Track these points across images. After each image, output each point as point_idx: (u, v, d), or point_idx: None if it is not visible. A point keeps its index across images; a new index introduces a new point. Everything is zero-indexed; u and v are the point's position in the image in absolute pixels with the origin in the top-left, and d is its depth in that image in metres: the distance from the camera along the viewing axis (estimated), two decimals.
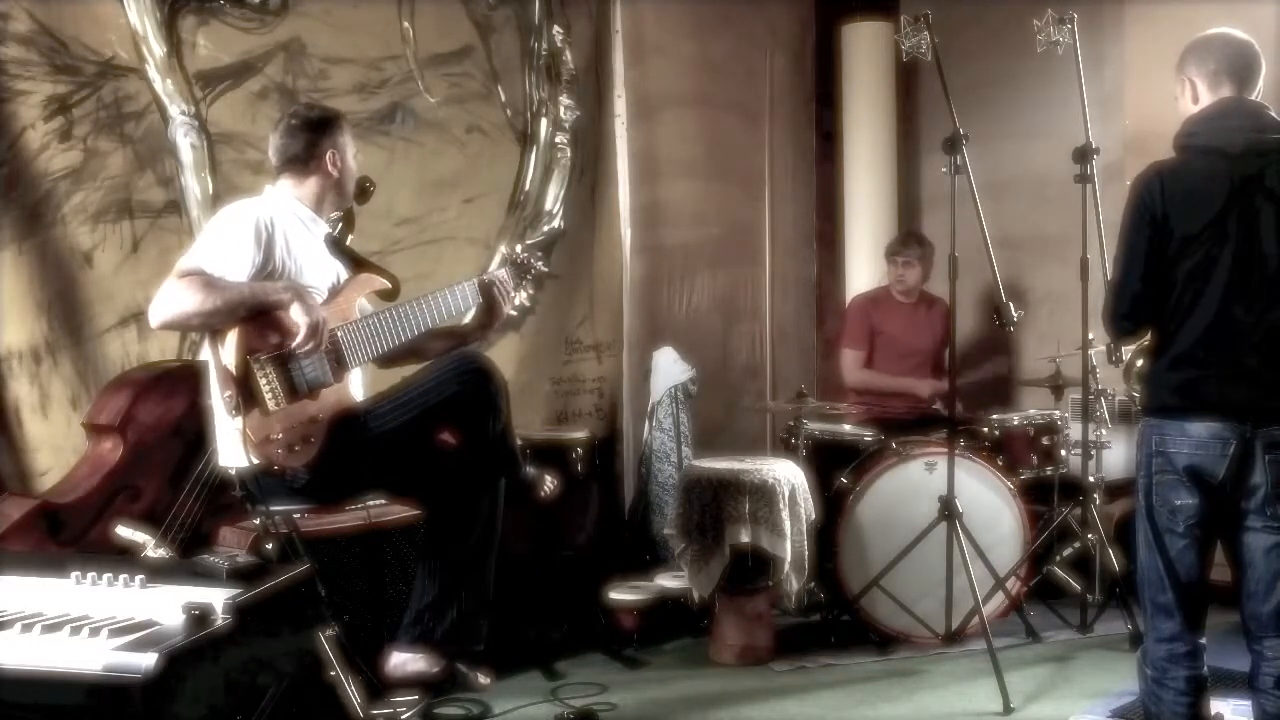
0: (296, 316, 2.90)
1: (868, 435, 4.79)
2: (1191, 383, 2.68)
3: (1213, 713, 2.97)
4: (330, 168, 3.16)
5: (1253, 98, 2.75)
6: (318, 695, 2.66)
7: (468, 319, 3.47)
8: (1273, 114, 2.71)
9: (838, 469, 4.69)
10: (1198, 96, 2.77)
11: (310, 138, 3.14)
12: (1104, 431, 4.61)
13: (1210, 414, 2.65)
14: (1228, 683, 3.67)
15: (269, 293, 2.92)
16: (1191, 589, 2.71)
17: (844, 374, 5.44)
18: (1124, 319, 2.77)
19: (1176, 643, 2.72)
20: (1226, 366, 2.66)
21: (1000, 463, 4.64)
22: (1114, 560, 4.42)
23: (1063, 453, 4.77)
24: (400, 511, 3.64)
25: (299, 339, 2.90)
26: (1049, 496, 4.78)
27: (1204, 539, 2.70)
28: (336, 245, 3.23)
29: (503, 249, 4.85)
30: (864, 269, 6.06)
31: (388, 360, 3.28)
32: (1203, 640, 2.75)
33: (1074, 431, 4.71)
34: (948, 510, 4.24)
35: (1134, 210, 2.72)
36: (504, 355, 4.71)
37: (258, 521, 3.18)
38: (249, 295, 2.89)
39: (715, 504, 4.20)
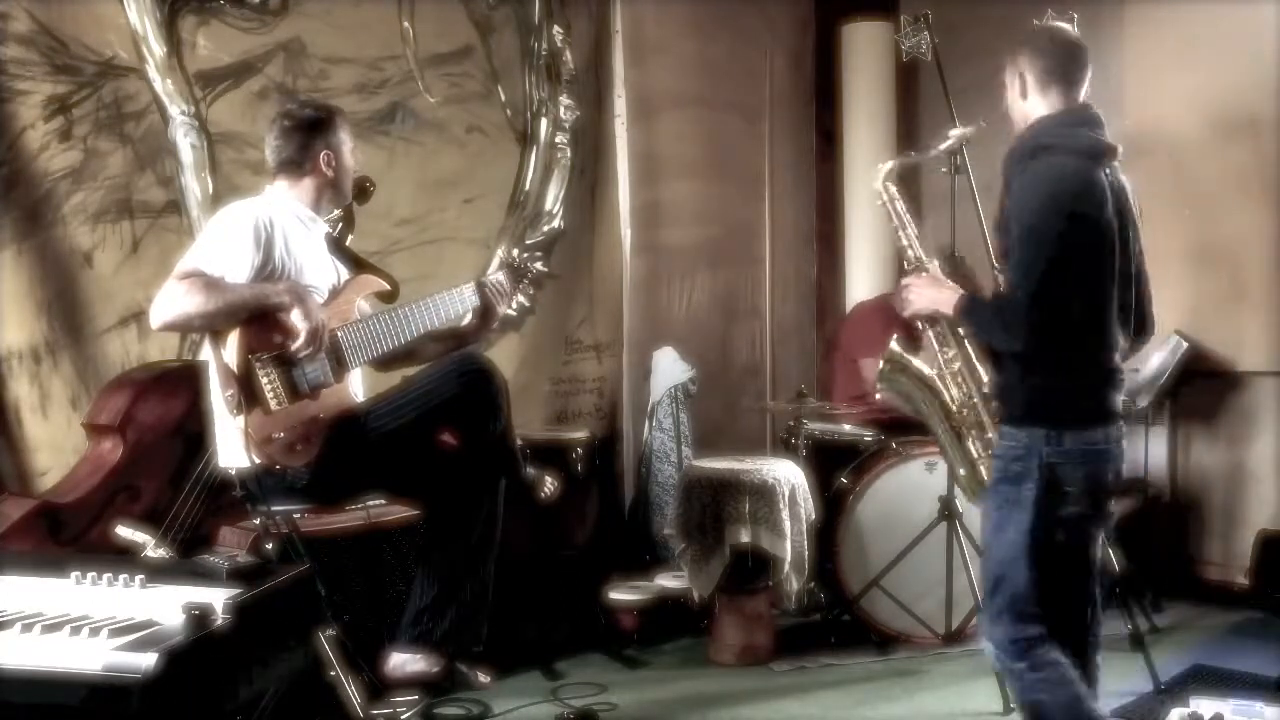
0: (297, 320, 2.91)
1: (868, 435, 4.79)
2: (1091, 390, 2.67)
3: (1212, 713, 2.97)
4: (325, 168, 3.14)
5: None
6: (318, 695, 2.65)
7: (465, 322, 3.48)
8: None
9: (838, 469, 4.69)
10: (1026, 92, 2.75)
11: (303, 140, 3.12)
12: None
13: (1108, 422, 2.69)
14: (1228, 683, 3.67)
15: (269, 295, 2.92)
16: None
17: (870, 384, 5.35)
18: (1040, 328, 2.56)
19: (1050, 643, 2.67)
20: (1113, 374, 2.69)
21: None
22: (1113, 560, 4.41)
23: None
24: (400, 511, 3.64)
25: (299, 342, 2.91)
26: None
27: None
28: (336, 245, 3.23)
29: (502, 249, 4.85)
30: (864, 269, 6.05)
31: (385, 363, 3.28)
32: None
33: None
34: (948, 510, 4.24)
35: (1065, 211, 2.56)
36: (504, 355, 4.71)
37: (258, 521, 3.18)
38: (250, 297, 2.89)
39: (715, 504, 4.20)
